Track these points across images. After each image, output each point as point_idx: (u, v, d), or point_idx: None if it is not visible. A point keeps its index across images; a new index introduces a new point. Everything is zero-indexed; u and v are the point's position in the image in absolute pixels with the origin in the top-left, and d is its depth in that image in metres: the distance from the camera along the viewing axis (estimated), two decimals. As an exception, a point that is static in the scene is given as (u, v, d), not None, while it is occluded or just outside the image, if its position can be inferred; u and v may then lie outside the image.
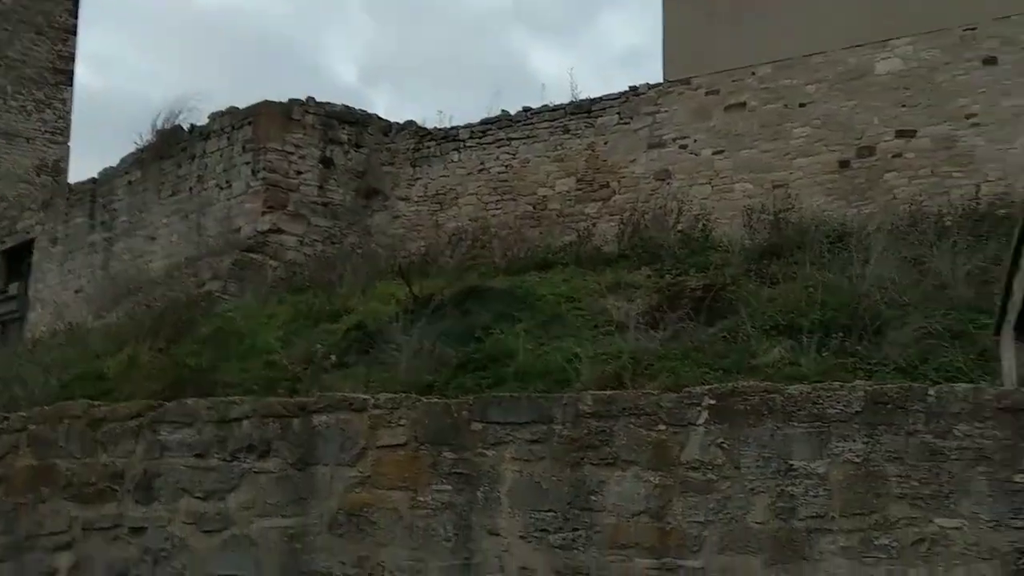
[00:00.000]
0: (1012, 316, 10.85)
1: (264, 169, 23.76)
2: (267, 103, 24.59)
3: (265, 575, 9.24)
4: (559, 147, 25.11)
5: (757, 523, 8.46)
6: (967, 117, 22.20)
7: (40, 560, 9.89)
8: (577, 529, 8.73)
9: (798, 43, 23.78)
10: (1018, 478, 8.12)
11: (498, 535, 8.86)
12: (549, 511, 8.80)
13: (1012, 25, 22.18)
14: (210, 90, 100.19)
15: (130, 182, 26.52)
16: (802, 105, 23.60)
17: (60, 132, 41.70)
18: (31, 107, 40.96)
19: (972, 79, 22.35)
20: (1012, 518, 8.06)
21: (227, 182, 24.28)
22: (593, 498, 8.78)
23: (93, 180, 28.07)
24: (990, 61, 22.30)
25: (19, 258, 28.66)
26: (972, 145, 21.92)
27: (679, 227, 20.36)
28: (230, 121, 24.70)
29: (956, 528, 8.16)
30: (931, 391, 8.63)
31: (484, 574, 8.81)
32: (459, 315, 16.20)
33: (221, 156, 24.66)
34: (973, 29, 22.44)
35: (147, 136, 26.71)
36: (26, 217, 29.72)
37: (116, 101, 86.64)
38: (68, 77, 42.31)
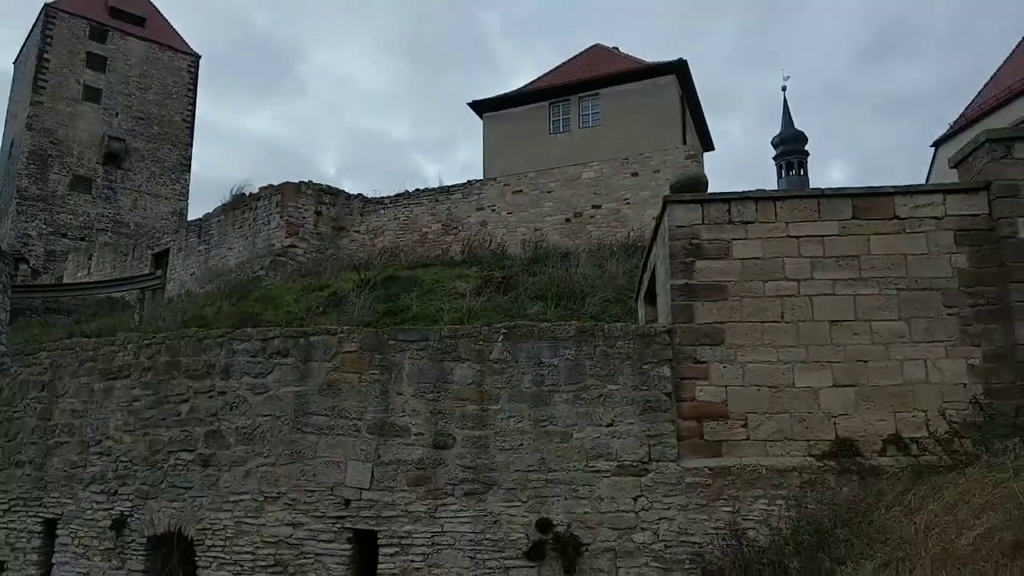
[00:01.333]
0: (642, 291, 11.16)
1: (288, 214, 23.23)
2: (288, 183, 23.99)
3: (286, 415, 8.89)
4: (434, 208, 24.98)
5: (525, 388, 8.47)
6: (624, 200, 22.76)
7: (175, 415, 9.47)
8: (439, 391, 8.64)
9: (547, 162, 24.08)
10: (645, 367, 8.29)
11: (401, 394, 8.71)
12: (427, 382, 8.70)
13: (645, 158, 22.83)
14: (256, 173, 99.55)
15: (218, 220, 25.56)
16: (549, 192, 23.86)
17: (183, 194, 40.57)
18: (168, 182, 39.77)
19: (626, 182, 22.94)
20: (643, 386, 8.23)
21: (267, 222, 23.55)
22: (448, 376, 8.69)
23: (199, 219, 26.99)
24: (634, 174, 22.90)
25: (162, 256, 27.34)
26: (626, 214, 22.48)
27: (491, 248, 20.45)
28: (268, 192, 23.97)
29: (617, 388, 8.29)
30: (607, 326, 8.79)
31: (394, 413, 8.65)
32: (384, 289, 15.99)
33: (264, 209, 23.89)
34: (627, 159, 23.02)
35: (227, 197, 25.95)
36: (166, 237, 28.50)
37: (210, 176, 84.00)
38: (188, 167, 40.99)
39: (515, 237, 22.80)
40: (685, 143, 23.49)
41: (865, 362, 7.82)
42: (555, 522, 7.94)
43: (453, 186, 25.51)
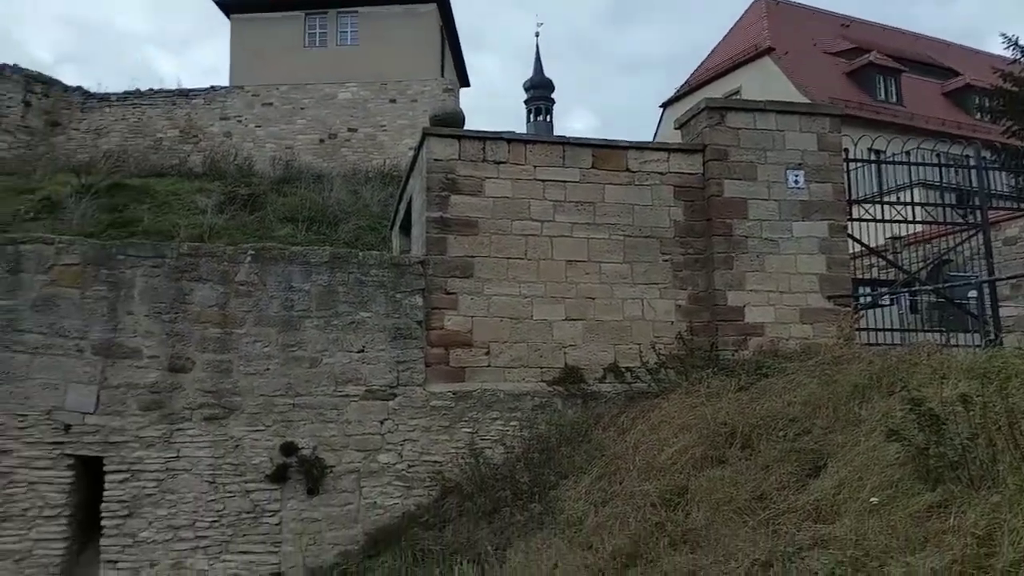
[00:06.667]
0: (397, 221, 11.15)
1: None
2: (-22, 60, 20.12)
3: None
4: (171, 113, 22.52)
5: (274, 312, 8.15)
6: (381, 126, 22.34)
7: None
8: (177, 312, 8.00)
9: (302, 76, 22.76)
10: (398, 296, 8.35)
11: (132, 314, 7.91)
12: (162, 302, 7.98)
13: (403, 86, 22.51)
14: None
15: None
16: (302, 108, 22.65)
17: None
18: None
19: (383, 108, 22.52)
20: (395, 314, 8.30)
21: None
22: (187, 296, 8.06)
23: None
24: (392, 100, 22.52)
25: None
26: (383, 140, 22.13)
27: (236, 163, 18.97)
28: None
29: (370, 316, 8.30)
30: (362, 254, 8.69)
31: (124, 334, 7.86)
32: (109, 197, 14.20)
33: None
34: (385, 84, 22.52)
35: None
36: None
37: None
38: None
39: (264, 153, 21.43)
40: (443, 76, 23.49)
41: (593, 299, 8.62)
42: (300, 445, 7.86)
43: (194, 90, 23.16)
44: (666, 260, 8.82)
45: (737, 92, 26.21)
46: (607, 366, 8.46)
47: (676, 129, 9.96)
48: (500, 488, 6.63)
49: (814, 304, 8.67)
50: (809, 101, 18.91)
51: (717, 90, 26.61)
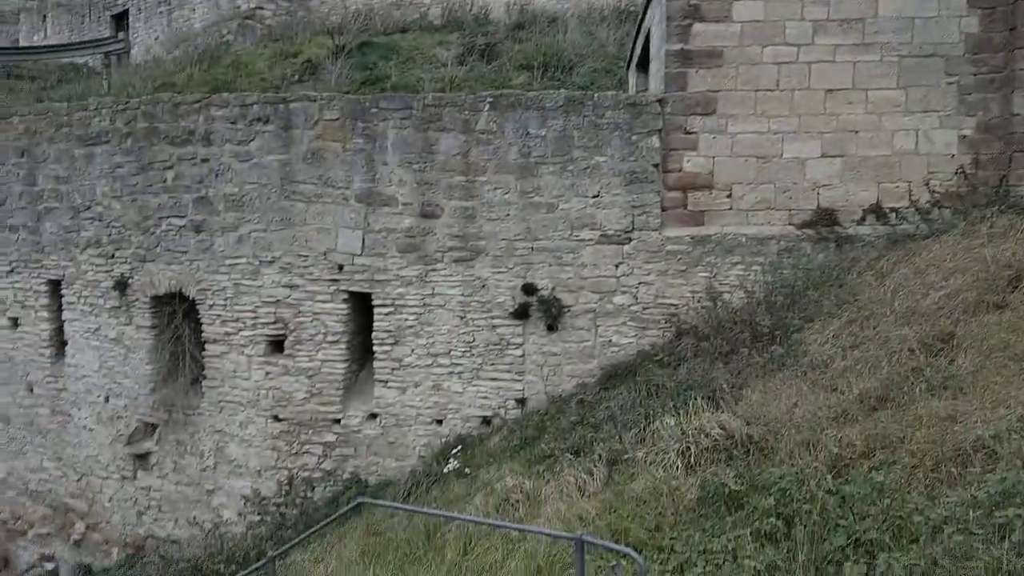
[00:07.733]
0: (634, 58, 10.70)
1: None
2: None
3: (272, 183, 8.85)
4: (410, -32, 23.05)
5: (512, 159, 8.40)
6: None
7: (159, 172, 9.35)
8: (425, 161, 8.56)
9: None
10: (634, 138, 8.18)
11: (387, 164, 8.61)
12: (412, 152, 8.56)
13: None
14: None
15: (177, -21, 23.46)
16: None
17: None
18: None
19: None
20: (630, 157, 8.18)
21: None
22: (433, 146, 8.56)
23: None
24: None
25: (122, 18, 25.47)
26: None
27: (472, 12, 19.12)
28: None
29: (605, 160, 8.26)
30: (596, 96, 8.52)
31: (380, 183, 8.62)
32: (360, 56, 15.16)
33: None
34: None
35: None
36: (121, -4, 26.47)
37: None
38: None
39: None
40: None
41: (856, 132, 7.76)
42: (539, 286, 8.27)
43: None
44: (951, 83, 7.60)
45: None
46: (868, 207, 7.72)
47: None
48: (738, 331, 6.52)
49: None
50: None
51: None
